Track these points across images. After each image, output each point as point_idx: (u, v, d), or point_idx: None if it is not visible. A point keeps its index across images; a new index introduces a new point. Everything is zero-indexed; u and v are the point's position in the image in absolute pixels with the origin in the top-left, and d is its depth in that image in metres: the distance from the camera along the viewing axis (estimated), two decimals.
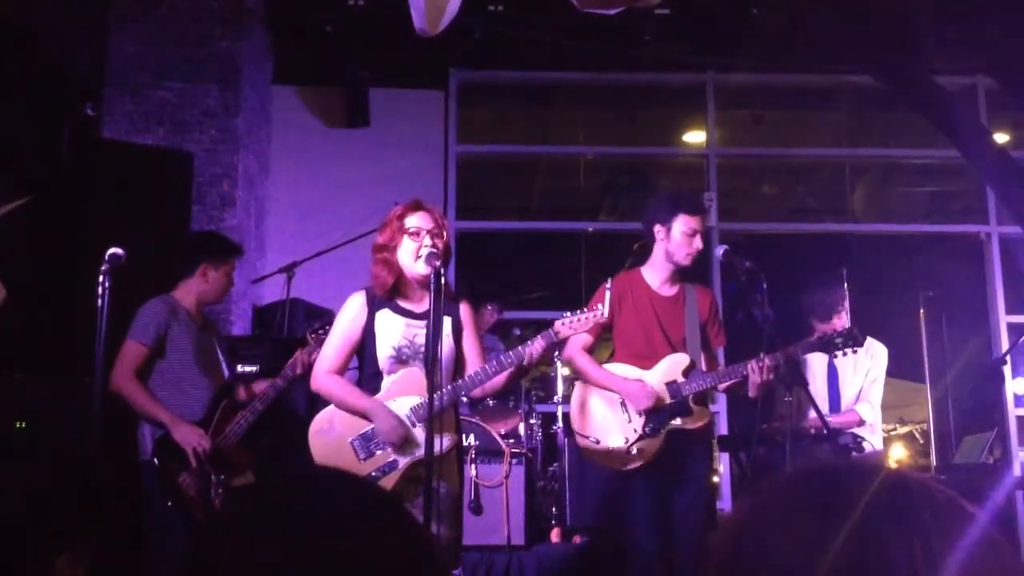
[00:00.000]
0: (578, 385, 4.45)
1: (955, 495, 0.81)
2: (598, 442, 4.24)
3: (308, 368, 4.12)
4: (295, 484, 0.93)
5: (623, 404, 4.21)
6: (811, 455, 4.60)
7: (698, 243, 4.28)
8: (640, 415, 4.17)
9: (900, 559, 0.75)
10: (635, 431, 4.17)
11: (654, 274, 4.38)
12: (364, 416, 3.66)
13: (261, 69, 7.72)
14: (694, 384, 4.20)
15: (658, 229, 4.33)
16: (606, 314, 3.63)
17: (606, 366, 4.34)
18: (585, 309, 3.63)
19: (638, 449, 4.16)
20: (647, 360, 4.26)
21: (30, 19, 6.04)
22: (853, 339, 4.24)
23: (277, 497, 0.90)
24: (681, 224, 4.26)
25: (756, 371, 4.07)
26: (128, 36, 7.10)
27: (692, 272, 4.46)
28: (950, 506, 0.80)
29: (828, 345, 4.31)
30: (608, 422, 4.23)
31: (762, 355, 4.10)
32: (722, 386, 4.28)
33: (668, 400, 4.19)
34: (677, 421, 4.19)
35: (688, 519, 4.14)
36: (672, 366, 4.24)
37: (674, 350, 4.27)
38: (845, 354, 4.42)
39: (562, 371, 6.63)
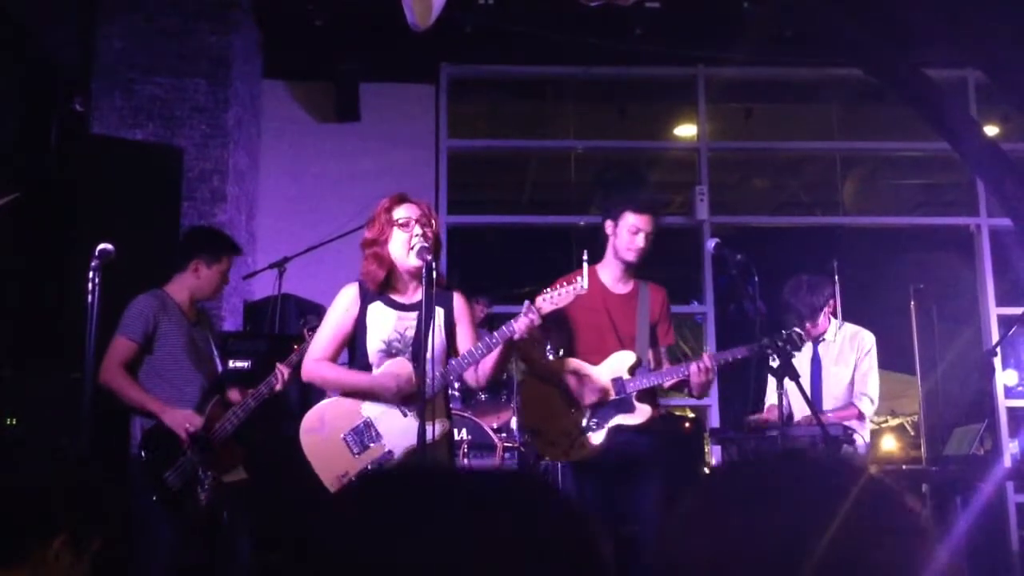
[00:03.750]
0: (526, 378, 4.50)
1: (899, 491, 0.81)
2: (545, 434, 4.27)
3: None
4: (405, 478, 0.88)
5: (569, 398, 4.24)
6: (800, 447, 4.59)
7: (641, 241, 4.27)
8: (584, 410, 4.21)
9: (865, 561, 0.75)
10: (577, 425, 4.22)
11: (607, 271, 4.39)
12: (363, 391, 3.63)
13: (251, 64, 7.69)
14: (638, 382, 4.22)
15: (608, 225, 4.36)
16: (585, 286, 3.61)
17: (556, 360, 4.36)
18: (564, 283, 3.62)
19: (580, 443, 4.20)
20: (597, 356, 4.28)
21: (18, 13, 6.01)
22: (792, 343, 4.13)
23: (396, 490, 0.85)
24: (627, 222, 4.28)
25: (697, 372, 4.10)
26: (117, 31, 7.07)
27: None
28: (901, 510, 0.80)
29: (766, 347, 4.12)
30: (553, 415, 4.26)
31: (703, 355, 4.20)
32: (667, 384, 4.30)
33: (613, 396, 4.22)
34: (620, 418, 4.21)
35: (642, 512, 4.14)
36: (619, 363, 4.27)
37: (623, 347, 4.29)
38: (788, 355, 4.27)
39: None
